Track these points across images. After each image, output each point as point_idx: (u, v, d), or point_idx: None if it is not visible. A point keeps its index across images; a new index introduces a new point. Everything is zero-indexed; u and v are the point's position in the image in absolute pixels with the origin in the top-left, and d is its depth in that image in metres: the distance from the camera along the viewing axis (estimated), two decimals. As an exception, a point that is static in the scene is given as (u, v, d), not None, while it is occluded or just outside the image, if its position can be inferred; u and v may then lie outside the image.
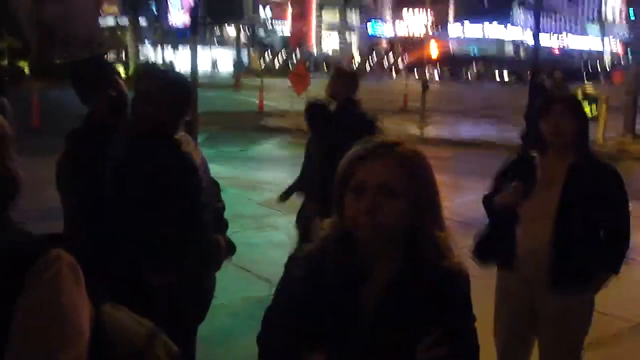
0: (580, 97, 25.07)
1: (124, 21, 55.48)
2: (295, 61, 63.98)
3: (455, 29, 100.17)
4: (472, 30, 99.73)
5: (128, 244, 3.43)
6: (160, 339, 1.79)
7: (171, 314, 3.35)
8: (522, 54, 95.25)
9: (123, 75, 3.87)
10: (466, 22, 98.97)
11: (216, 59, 64.58)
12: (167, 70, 3.78)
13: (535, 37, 19.05)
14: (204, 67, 51.33)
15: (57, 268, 1.51)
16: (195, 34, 17.45)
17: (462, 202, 9.81)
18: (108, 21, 61.63)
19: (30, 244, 1.55)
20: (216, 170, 3.80)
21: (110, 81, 3.81)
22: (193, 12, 19.65)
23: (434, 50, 35.40)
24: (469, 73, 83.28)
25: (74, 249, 1.59)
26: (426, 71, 31.58)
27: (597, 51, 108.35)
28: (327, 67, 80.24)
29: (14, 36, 47.82)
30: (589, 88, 29.09)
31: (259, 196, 11.74)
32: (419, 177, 1.97)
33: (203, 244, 3.65)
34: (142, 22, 55.45)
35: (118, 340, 1.66)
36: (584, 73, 72.87)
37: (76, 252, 1.59)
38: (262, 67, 64.85)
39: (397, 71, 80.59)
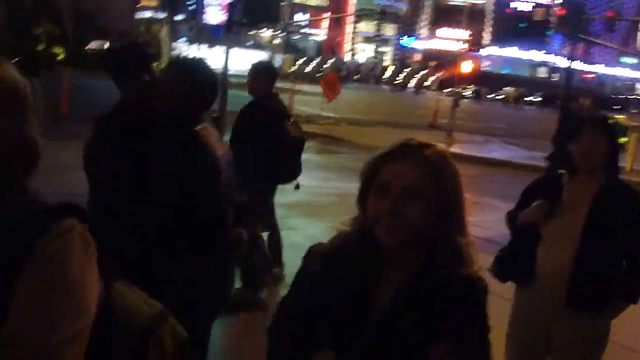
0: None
1: (161, 16, 55.84)
2: (327, 69, 64.05)
3: (489, 50, 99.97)
4: (507, 51, 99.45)
5: (149, 233, 3.42)
6: (168, 321, 1.76)
7: (189, 305, 3.35)
8: (554, 78, 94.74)
9: (155, 67, 3.85)
10: (501, 43, 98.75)
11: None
12: (193, 61, 3.75)
13: (569, 63, 18.91)
14: (236, 67, 51.37)
15: (68, 239, 1.48)
16: (229, 33, 17.52)
17: (484, 220, 9.73)
18: (145, 14, 62.10)
19: (44, 212, 1.51)
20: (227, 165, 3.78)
21: (148, 67, 3.81)
22: (230, 12, 19.75)
23: (467, 68, 35.31)
24: (500, 94, 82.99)
25: (89, 221, 1.56)
26: (457, 89, 31.49)
27: (630, 80, 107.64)
28: (359, 78, 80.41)
29: (52, 23, 48.34)
30: (620, 117, 28.85)
31: (279, 198, 11.73)
32: (445, 181, 1.93)
33: (224, 236, 3.65)
34: (179, 17, 55.76)
35: (124, 319, 1.64)
36: (616, 102, 72.41)
37: (91, 224, 1.56)
38: (294, 71, 65.01)
39: (429, 86, 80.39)
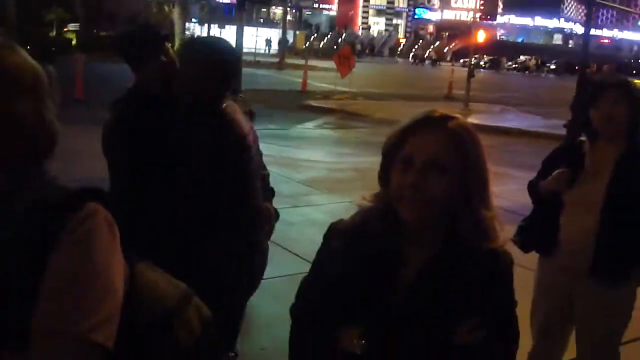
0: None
1: (172, -3, 55.73)
2: (340, 43, 63.83)
3: (503, 18, 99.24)
4: (521, 19, 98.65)
5: (180, 211, 3.44)
6: (193, 302, 1.76)
7: (222, 283, 3.39)
8: (571, 44, 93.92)
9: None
10: (515, 11, 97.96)
11: (270, 38, 64.54)
12: (211, 39, 3.74)
13: (586, 30, 18.67)
14: (249, 45, 51.62)
15: (93, 224, 1.48)
16: (242, 12, 17.44)
17: (503, 190, 9.70)
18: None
19: (67, 197, 1.51)
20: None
21: (163, 48, 3.79)
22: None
23: (481, 37, 35.04)
24: (516, 62, 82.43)
25: (111, 204, 1.56)
26: (472, 59, 31.29)
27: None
28: (372, 51, 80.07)
29: (63, 8, 48.38)
30: (638, 82, 28.58)
31: (298, 174, 11.74)
32: (469, 153, 1.89)
33: (255, 212, 3.68)
34: (190, -2, 55.70)
35: (150, 301, 1.64)
36: (635, 66, 71.68)
37: (113, 208, 1.56)
38: (307, 47, 64.81)
39: (443, 57, 79.92)
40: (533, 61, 79.51)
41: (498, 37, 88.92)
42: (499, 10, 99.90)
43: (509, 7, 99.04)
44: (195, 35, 53.67)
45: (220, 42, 3.65)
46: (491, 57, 77.65)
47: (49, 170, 1.60)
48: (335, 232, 2.06)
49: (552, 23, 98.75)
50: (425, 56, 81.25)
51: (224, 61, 3.54)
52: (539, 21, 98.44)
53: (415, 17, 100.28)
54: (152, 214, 3.42)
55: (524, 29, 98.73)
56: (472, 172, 1.89)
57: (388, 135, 1.97)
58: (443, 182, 1.86)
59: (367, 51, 76.89)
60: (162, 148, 3.40)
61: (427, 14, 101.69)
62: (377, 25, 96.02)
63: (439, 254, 1.93)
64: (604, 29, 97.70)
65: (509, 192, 8.92)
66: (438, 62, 76.58)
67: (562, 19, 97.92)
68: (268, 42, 64.54)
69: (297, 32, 71.98)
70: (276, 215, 4.07)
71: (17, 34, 34.18)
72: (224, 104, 3.54)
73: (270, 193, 4.12)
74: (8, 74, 1.53)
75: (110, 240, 1.51)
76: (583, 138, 3.87)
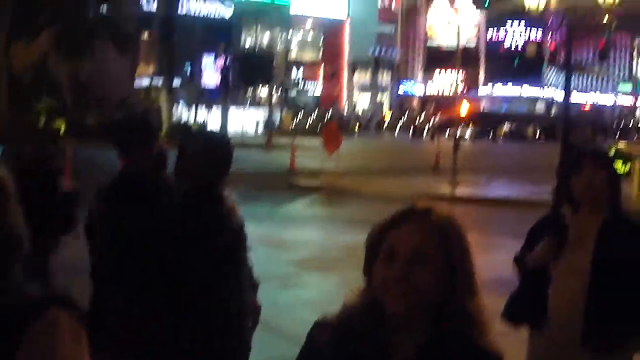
0: (612, 154, 24.98)
1: (159, 81, 56.43)
2: (327, 121, 64.45)
3: (486, 89, 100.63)
4: (503, 89, 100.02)
5: (171, 303, 3.43)
6: None
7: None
8: (553, 111, 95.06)
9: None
10: (497, 82, 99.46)
11: (258, 121, 65.13)
12: (210, 132, 3.86)
13: (566, 95, 18.99)
14: (236, 126, 52.10)
15: (54, 333, 1.45)
16: (226, 95, 17.66)
17: (493, 260, 9.69)
18: (143, 82, 62.75)
19: (28, 306, 1.47)
20: (246, 229, 3.83)
21: (154, 137, 3.86)
22: (223, 74, 19.94)
23: (465, 109, 35.47)
24: (500, 131, 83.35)
25: (77, 309, 1.53)
26: (457, 130, 31.61)
27: (630, 108, 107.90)
28: (358, 127, 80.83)
29: (52, 97, 48.80)
30: (622, 145, 28.88)
31: (288, 254, 11.71)
32: (453, 245, 1.89)
33: (245, 304, 3.68)
34: (177, 82, 56.33)
35: None
36: (617, 130, 72.48)
37: (80, 312, 1.53)
38: (294, 126, 65.34)
39: (429, 130, 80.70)
40: (530, 129, 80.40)
41: (482, 108, 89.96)
42: (482, 82, 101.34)
43: (491, 79, 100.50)
44: (186, 123, 54.23)
45: (215, 133, 3.77)
46: (476, 128, 78.44)
47: (18, 275, 1.56)
48: (319, 329, 2.02)
49: (535, 92, 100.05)
50: (411, 129, 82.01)
51: (222, 151, 3.63)
52: (521, 90, 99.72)
53: (400, 92, 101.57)
54: (140, 303, 3.41)
55: (506, 99, 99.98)
56: (457, 264, 1.88)
57: (371, 228, 1.96)
58: (428, 274, 1.84)
59: (353, 127, 77.55)
60: (151, 237, 3.41)
61: (411, 88, 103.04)
62: (362, 101, 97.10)
63: (429, 341, 1.91)
64: (584, 93, 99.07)
65: (497, 262, 8.90)
66: (422, 135, 77.27)
67: (544, 87, 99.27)
68: (257, 124, 65.18)
69: (284, 112, 72.70)
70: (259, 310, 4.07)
71: (7, 125, 34.36)
72: (222, 192, 3.62)
73: (255, 287, 4.12)
74: None
75: (73, 347, 1.48)
76: (566, 207, 3.90)
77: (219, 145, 3.65)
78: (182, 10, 56.14)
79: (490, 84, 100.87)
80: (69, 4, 41.74)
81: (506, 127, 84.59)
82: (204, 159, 3.54)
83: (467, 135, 72.90)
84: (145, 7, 60.56)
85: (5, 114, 37.92)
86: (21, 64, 42.96)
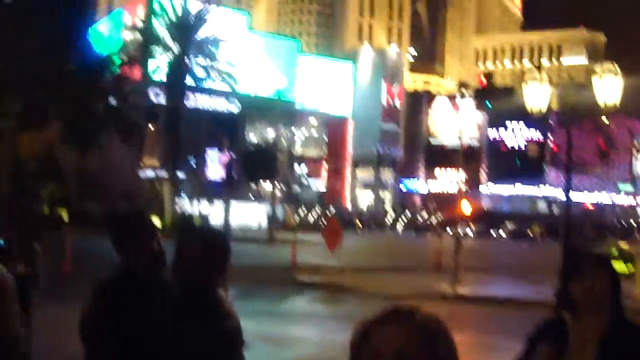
0: (615, 254, 24.92)
1: (163, 173, 56.83)
2: (329, 217, 64.56)
3: (488, 187, 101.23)
4: (505, 188, 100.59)
5: None
6: None
7: None
8: (554, 210, 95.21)
9: (159, 226, 3.93)
10: (498, 181, 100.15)
11: (261, 215, 65.28)
12: (209, 231, 3.86)
13: (567, 194, 19.09)
14: (238, 220, 52.23)
15: None
16: (229, 189, 17.79)
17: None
18: (147, 173, 63.22)
19: None
20: (246, 325, 3.81)
21: (153, 237, 3.87)
22: (228, 169, 20.15)
23: (466, 207, 35.59)
24: (502, 230, 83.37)
25: None
26: (459, 228, 31.61)
27: (631, 207, 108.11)
28: (361, 223, 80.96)
29: (56, 184, 49.23)
30: (624, 245, 28.82)
31: (287, 352, 11.57)
32: (439, 346, 1.86)
33: None
34: (181, 174, 56.73)
35: None
36: (619, 229, 72.40)
37: None
38: (296, 222, 65.44)
39: (431, 228, 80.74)
40: (536, 228, 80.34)
41: (484, 206, 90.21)
42: (483, 180, 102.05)
43: (493, 177, 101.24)
44: (187, 216, 54.34)
45: (214, 230, 3.76)
46: (478, 226, 78.45)
47: None
48: None
49: (536, 190, 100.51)
50: (413, 227, 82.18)
51: (219, 253, 3.62)
52: (523, 189, 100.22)
53: (402, 189, 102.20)
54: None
55: (508, 197, 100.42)
56: None
57: (355, 328, 1.93)
58: None
59: (355, 223, 77.64)
60: (149, 339, 3.40)
61: (413, 186, 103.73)
62: (365, 198, 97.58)
63: None
64: (586, 192, 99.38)
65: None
66: (425, 233, 77.24)
67: (545, 186, 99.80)
68: (259, 218, 65.31)
69: (286, 207, 72.88)
70: None
71: (8, 209, 34.49)
72: (219, 292, 3.60)
73: None
74: None
75: None
76: (566, 315, 3.88)
77: (216, 247, 3.64)
78: (189, 103, 56.98)
79: (492, 183, 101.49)
80: (78, 94, 42.44)
81: (508, 225, 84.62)
82: (200, 261, 3.53)
83: (469, 233, 72.80)
84: (152, 99, 61.65)
85: (10, 200, 38.13)
86: (28, 151, 43.51)
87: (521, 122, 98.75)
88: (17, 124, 40.08)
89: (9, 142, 40.23)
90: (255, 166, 60.94)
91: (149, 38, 54.32)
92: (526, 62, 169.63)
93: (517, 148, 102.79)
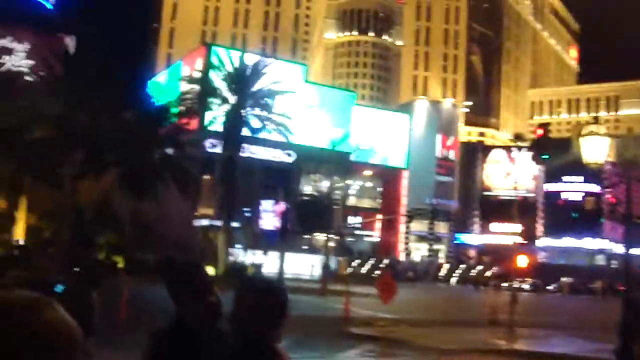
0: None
1: (217, 223, 57.22)
2: (382, 269, 64.23)
3: (544, 241, 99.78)
4: (561, 242, 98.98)
5: None
6: None
7: None
8: (613, 265, 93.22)
9: (213, 275, 3.98)
10: (555, 234, 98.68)
11: (314, 266, 65.24)
12: (267, 281, 3.86)
13: (627, 249, 18.67)
14: (291, 270, 52.21)
15: None
16: (284, 240, 17.85)
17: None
18: (202, 223, 63.77)
19: None
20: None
21: (209, 287, 3.88)
22: (284, 220, 20.26)
23: (522, 261, 35.09)
24: (559, 284, 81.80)
25: None
26: (515, 282, 31.16)
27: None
28: (415, 276, 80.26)
29: (112, 231, 50.03)
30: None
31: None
32: None
33: None
34: (235, 224, 57.05)
35: None
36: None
37: None
38: (349, 273, 65.15)
39: (485, 281, 79.68)
40: (600, 283, 78.58)
41: (540, 260, 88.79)
42: (540, 233, 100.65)
43: (549, 230, 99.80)
44: (244, 265, 54.56)
45: (272, 281, 3.75)
46: (534, 280, 77.22)
47: None
48: None
49: (594, 244, 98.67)
50: (467, 280, 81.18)
51: (278, 302, 3.62)
52: (580, 242, 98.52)
53: (456, 242, 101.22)
54: None
55: (565, 251, 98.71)
56: None
57: None
58: None
59: (409, 276, 77.01)
60: None
61: (467, 239, 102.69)
62: (419, 250, 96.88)
63: None
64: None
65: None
66: (480, 286, 76.22)
67: (603, 240, 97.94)
68: (312, 268, 65.19)
69: (340, 258, 72.61)
70: None
71: (67, 255, 35.15)
72: (277, 345, 3.59)
73: None
74: (45, 330, 1.56)
75: None
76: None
77: (274, 297, 3.64)
78: (245, 154, 57.52)
79: (548, 236, 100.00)
80: (135, 144, 43.28)
81: (565, 280, 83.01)
82: (259, 310, 3.53)
83: (525, 287, 71.63)
84: (208, 150, 62.45)
85: (68, 247, 38.90)
86: (86, 200, 44.38)
87: (578, 175, 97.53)
88: (77, 172, 40.99)
89: (70, 190, 41.12)
90: (310, 217, 61.08)
91: (206, 90, 55.20)
92: (583, 113, 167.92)
93: (574, 200, 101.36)
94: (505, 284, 60.89)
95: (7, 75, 61.73)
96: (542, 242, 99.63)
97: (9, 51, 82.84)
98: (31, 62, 77.72)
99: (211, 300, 3.81)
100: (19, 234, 48.60)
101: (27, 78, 58.68)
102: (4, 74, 62.51)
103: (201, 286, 3.83)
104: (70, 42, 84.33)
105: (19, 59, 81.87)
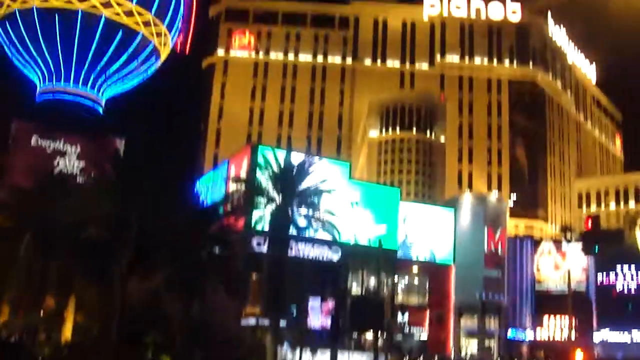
0: None
1: (265, 322, 56.92)
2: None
3: (599, 335, 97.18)
4: (617, 335, 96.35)
5: None
6: None
7: None
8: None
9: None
10: (610, 327, 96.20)
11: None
12: None
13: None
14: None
15: None
16: (335, 338, 17.65)
17: None
18: (250, 321, 63.48)
19: None
20: None
21: None
22: (333, 319, 20.06)
23: (578, 356, 34.21)
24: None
25: None
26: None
27: None
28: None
29: (159, 330, 49.95)
30: None
31: None
32: None
33: None
34: (283, 323, 56.66)
35: None
36: None
37: None
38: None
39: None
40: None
41: (596, 355, 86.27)
42: (594, 327, 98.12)
43: (604, 324, 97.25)
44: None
45: None
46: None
47: None
48: None
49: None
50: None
51: None
52: (637, 336, 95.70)
53: (508, 337, 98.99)
54: None
55: (621, 345, 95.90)
56: None
57: None
58: None
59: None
60: None
61: (520, 333, 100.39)
62: (469, 347, 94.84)
63: None
64: None
65: None
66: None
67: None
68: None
69: (389, 357, 71.42)
70: None
71: (115, 354, 35.17)
72: None
73: None
74: None
75: None
76: None
77: None
78: (291, 252, 57.55)
79: (603, 330, 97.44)
80: (183, 244, 43.62)
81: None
82: None
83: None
84: (255, 249, 62.66)
85: (116, 345, 38.95)
86: (134, 298, 44.61)
87: (632, 266, 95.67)
88: (127, 271, 41.36)
89: (118, 289, 41.41)
90: (361, 315, 60.35)
91: (252, 189, 55.78)
92: (632, 203, 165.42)
93: (629, 292, 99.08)
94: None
95: (60, 176, 63.38)
96: (598, 336, 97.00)
97: (62, 154, 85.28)
98: (82, 163, 79.83)
99: None
100: (67, 332, 48.84)
101: (79, 179, 60.11)
102: (57, 176, 64.21)
103: None
104: (119, 144, 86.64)
105: (71, 161, 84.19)
